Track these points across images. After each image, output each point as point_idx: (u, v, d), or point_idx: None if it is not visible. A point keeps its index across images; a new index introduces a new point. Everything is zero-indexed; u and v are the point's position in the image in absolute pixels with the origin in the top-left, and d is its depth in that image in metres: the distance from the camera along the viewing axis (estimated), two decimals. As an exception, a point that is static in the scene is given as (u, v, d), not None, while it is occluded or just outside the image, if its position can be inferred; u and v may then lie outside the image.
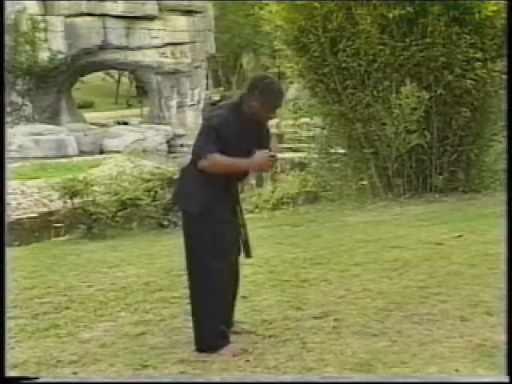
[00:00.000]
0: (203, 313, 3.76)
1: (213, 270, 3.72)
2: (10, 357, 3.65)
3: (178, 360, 3.64)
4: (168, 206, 10.48)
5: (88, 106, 44.40)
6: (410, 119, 10.10)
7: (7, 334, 3.86)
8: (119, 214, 10.19)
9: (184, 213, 3.91)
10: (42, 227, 13.09)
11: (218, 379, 3.39)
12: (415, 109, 10.05)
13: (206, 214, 3.73)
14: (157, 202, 10.38)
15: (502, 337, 3.63)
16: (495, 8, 9.95)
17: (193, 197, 3.80)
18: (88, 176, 12.53)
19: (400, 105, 10.07)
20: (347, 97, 10.70)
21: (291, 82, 14.46)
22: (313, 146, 12.40)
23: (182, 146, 30.30)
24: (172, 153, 29.84)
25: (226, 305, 3.85)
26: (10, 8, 26.88)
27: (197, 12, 33.77)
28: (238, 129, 3.78)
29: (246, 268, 5.62)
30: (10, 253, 5.49)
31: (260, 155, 3.70)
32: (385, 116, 10.35)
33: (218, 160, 3.68)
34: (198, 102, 34.42)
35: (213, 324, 3.73)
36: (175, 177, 11.09)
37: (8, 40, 27.03)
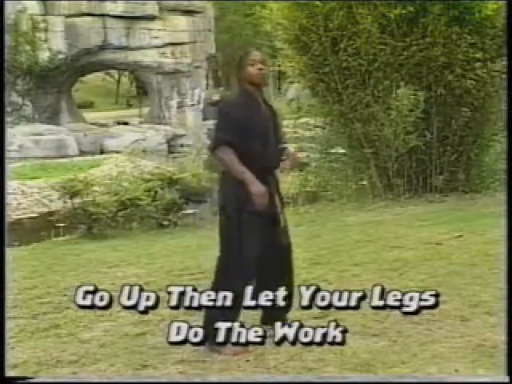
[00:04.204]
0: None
1: None
2: (10, 357, 3.65)
3: (178, 360, 3.64)
4: (168, 206, 10.49)
5: (88, 106, 44.42)
6: (408, 120, 10.10)
7: (7, 334, 3.86)
8: (119, 214, 10.20)
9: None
10: (42, 227, 13.08)
11: (215, 379, 3.39)
12: (412, 110, 10.06)
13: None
14: (157, 202, 10.39)
15: (502, 337, 3.62)
16: (495, 7, 9.95)
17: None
18: (88, 176, 12.53)
19: (397, 106, 10.07)
20: (347, 96, 10.70)
21: (291, 82, 14.45)
22: (313, 145, 12.40)
23: (182, 146, 30.31)
24: (172, 153, 29.83)
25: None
26: (10, 8, 26.89)
27: (197, 12, 33.79)
28: (250, 106, 3.80)
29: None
30: (10, 253, 5.49)
31: (261, 191, 3.69)
32: (383, 117, 10.35)
33: (221, 156, 3.73)
34: (198, 102, 34.43)
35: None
36: (175, 177, 11.11)
37: (8, 40, 27.02)
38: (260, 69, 3.81)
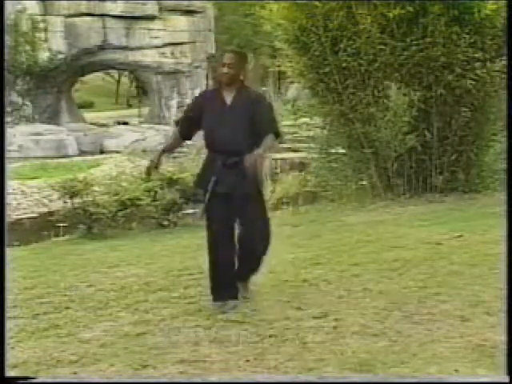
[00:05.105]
0: None
1: None
2: (10, 357, 3.65)
3: (178, 360, 3.64)
4: (168, 206, 10.48)
5: (88, 106, 44.38)
6: (404, 120, 10.11)
7: (7, 334, 3.86)
8: (119, 213, 10.19)
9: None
10: (42, 227, 13.09)
11: (215, 379, 3.39)
12: (406, 110, 10.06)
13: None
14: (157, 202, 10.39)
15: (502, 337, 3.63)
16: (494, 7, 9.95)
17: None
18: (88, 176, 12.54)
19: (391, 106, 10.07)
20: (347, 96, 10.70)
21: (291, 82, 14.45)
22: (313, 146, 12.40)
23: (181, 146, 30.27)
24: (172, 153, 29.77)
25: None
26: (10, 8, 26.85)
27: (197, 12, 33.76)
28: (220, 97, 4.56)
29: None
30: (10, 253, 5.49)
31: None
32: (380, 118, 10.35)
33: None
34: (198, 102, 34.38)
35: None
36: (175, 177, 11.10)
37: (8, 40, 27.00)
38: (224, 72, 4.51)
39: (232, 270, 4.66)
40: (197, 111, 4.68)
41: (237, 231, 4.69)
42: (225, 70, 4.48)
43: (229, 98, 4.53)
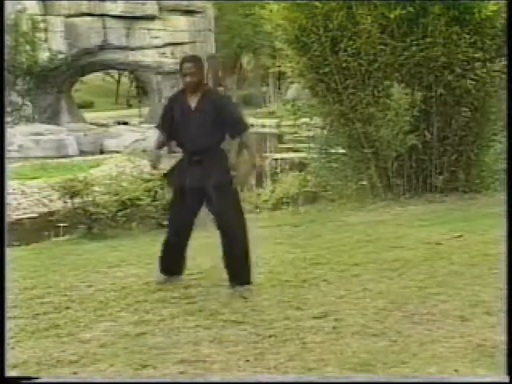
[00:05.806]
0: None
1: None
2: (10, 357, 3.65)
3: (178, 360, 3.64)
4: (168, 206, 10.47)
5: (88, 105, 44.38)
6: (404, 119, 10.10)
7: (7, 334, 3.86)
8: (119, 214, 10.18)
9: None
10: (42, 227, 13.08)
11: (218, 379, 3.39)
12: (408, 109, 10.06)
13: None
14: (157, 202, 10.37)
15: (502, 337, 3.63)
16: (495, 8, 9.95)
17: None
18: (88, 176, 12.53)
19: (393, 106, 10.07)
20: (348, 96, 10.69)
21: (291, 82, 14.44)
22: (313, 146, 12.39)
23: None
24: (172, 153, 29.77)
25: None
26: (10, 8, 26.83)
27: (197, 12, 33.77)
28: (176, 104, 5.12)
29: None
30: (10, 253, 5.49)
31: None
32: (380, 118, 10.34)
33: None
34: (198, 102, 34.35)
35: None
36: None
37: (8, 40, 26.99)
38: (186, 82, 4.98)
39: (181, 251, 5.32)
40: (169, 114, 5.21)
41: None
42: (187, 79, 4.97)
43: (193, 102, 5.04)
